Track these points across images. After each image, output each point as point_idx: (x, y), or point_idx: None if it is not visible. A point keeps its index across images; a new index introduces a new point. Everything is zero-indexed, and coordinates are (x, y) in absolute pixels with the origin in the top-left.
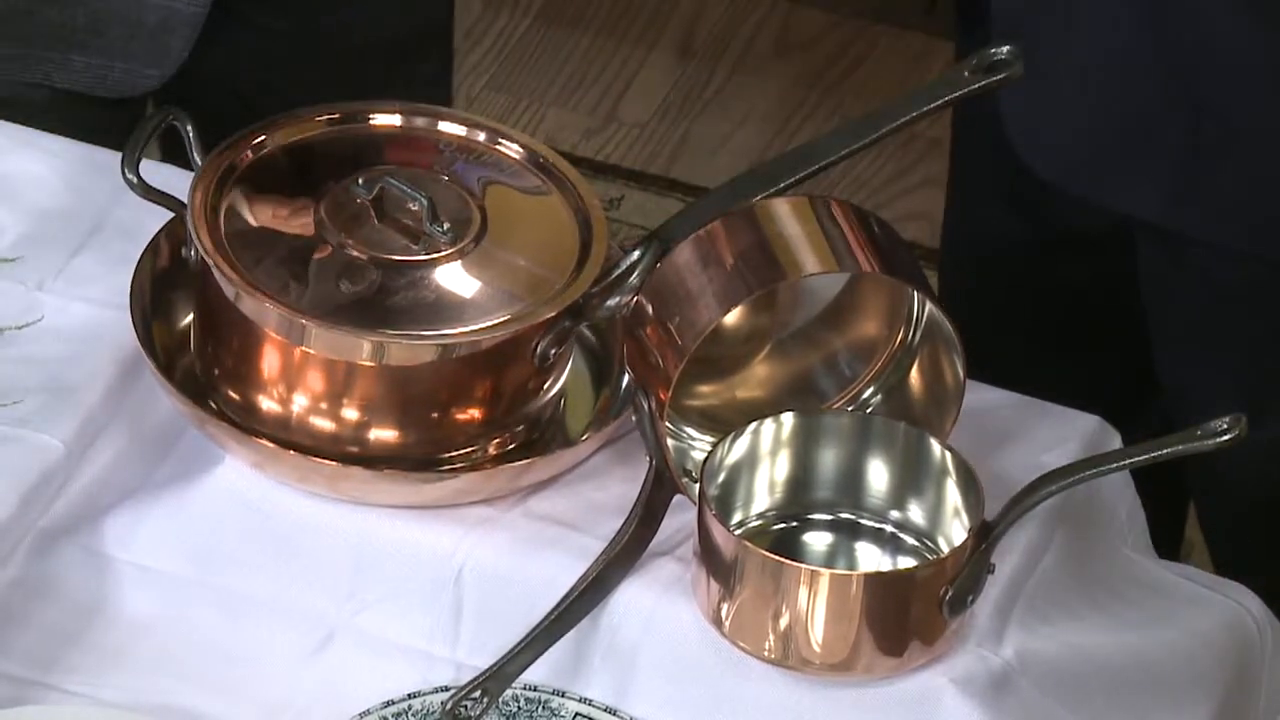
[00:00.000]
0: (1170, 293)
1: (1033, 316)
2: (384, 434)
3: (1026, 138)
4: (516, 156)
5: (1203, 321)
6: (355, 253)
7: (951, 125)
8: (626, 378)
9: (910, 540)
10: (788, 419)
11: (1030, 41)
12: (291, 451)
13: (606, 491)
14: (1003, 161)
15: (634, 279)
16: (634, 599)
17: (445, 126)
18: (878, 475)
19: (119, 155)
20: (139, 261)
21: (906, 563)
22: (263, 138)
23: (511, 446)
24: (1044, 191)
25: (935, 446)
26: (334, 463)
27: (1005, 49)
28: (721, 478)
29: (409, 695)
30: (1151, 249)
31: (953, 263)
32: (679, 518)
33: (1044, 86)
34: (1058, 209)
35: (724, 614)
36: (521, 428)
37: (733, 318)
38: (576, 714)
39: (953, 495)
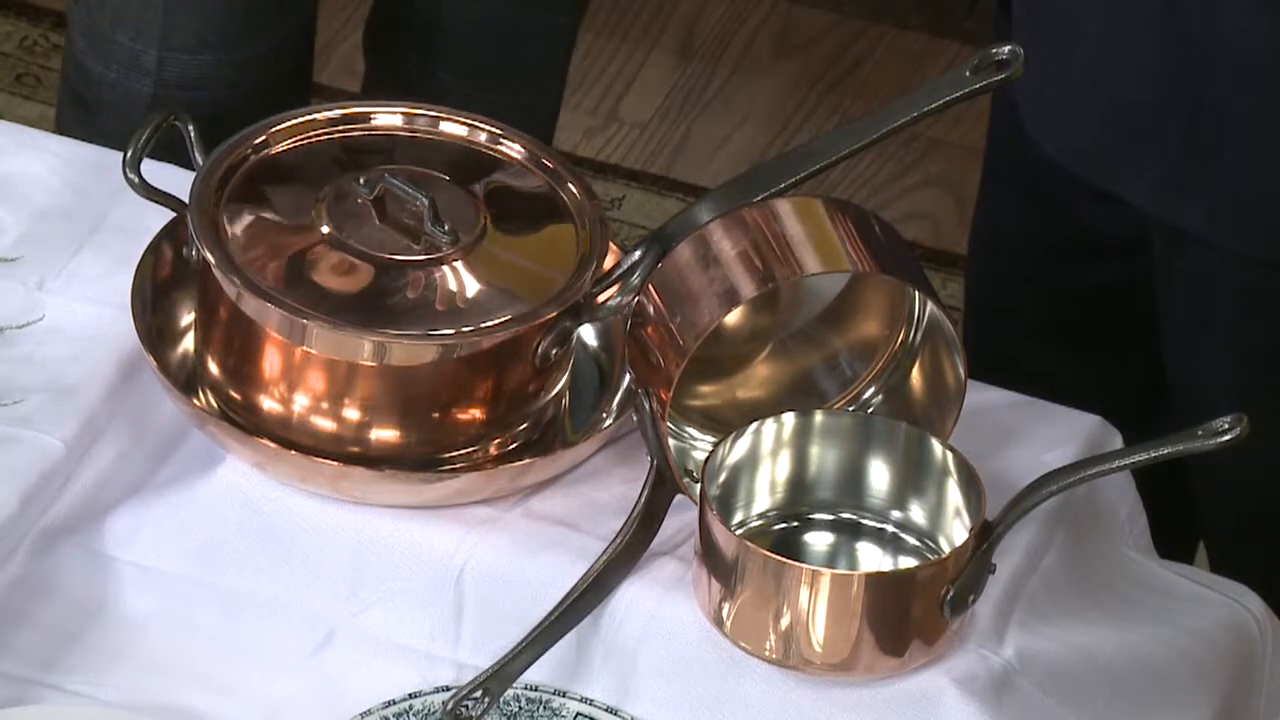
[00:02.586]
0: (1174, 292)
1: (1057, 318)
2: (385, 434)
3: (1036, 116)
4: (518, 156)
5: (1204, 323)
6: (357, 253)
7: (988, 125)
8: (628, 378)
9: (911, 540)
10: (789, 419)
11: (1043, 22)
12: (293, 451)
13: (607, 491)
14: (1029, 161)
15: (635, 279)
16: (635, 599)
17: (446, 127)
18: (879, 475)
19: (120, 155)
20: (140, 261)
21: (907, 563)
22: (264, 138)
23: (512, 446)
24: (1068, 191)
25: (936, 446)
26: (335, 463)
27: (1006, 49)
28: (722, 478)
29: (410, 695)
30: (1161, 247)
31: (979, 262)
32: (680, 518)
33: (1054, 68)
34: (1081, 209)
35: (725, 614)
36: (522, 428)
37: (734, 318)
38: (578, 714)
39: (954, 495)
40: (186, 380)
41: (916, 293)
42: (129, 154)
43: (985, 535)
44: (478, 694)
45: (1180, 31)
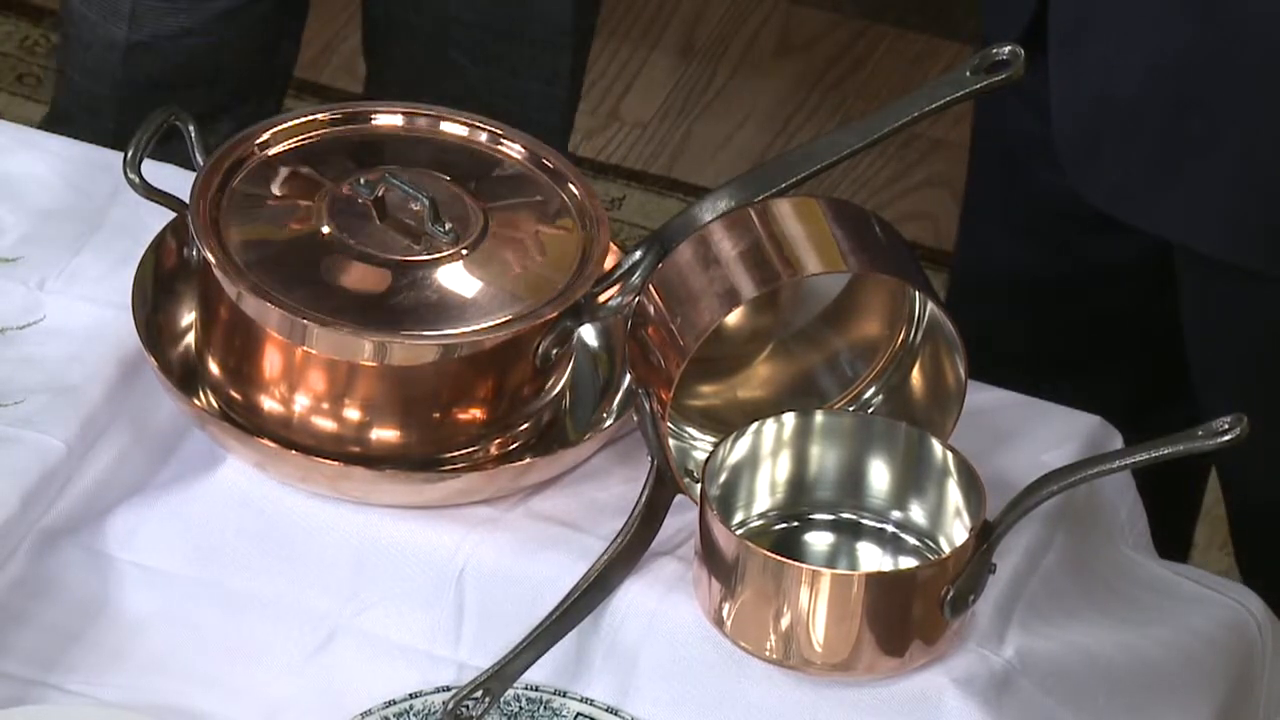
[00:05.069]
0: (1190, 306)
1: (1041, 344)
2: (386, 434)
3: (1078, 166)
4: (518, 156)
5: (1224, 340)
6: (357, 253)
7: (969, 153)
8: (628, 378)
9: (912, 540)
10: (789, 419)
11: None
12: (293, 451)
13: (608, 491)
14: (1016, 191)
15: (635, 279)
16: (635, 599)
17: (447, 127)
18: (879, 475)
19: (120, 155)
20: (141, 261)
21: (908, 563)
22: (265, 137)
23: (513, 446)
24: (1058, 220)
25: (937, 446)
26: (336, 463)
27: (1007, 49)
28: (723, 478)
29: (410, 695)
30: (1181, 268)
31: (962, 289)
32: (680, 518)
33: (1079, 70)
34: (1072, 238)
35: (725, 614)
36: (523, 428)
37: (734, 318)
38: (578, 714)
39: (954, 495)
40: (187, 380)
41: (917, 293)
42: (129, 154)
43: (985, 535)
44: (478, 694)
45: (1169, 34)
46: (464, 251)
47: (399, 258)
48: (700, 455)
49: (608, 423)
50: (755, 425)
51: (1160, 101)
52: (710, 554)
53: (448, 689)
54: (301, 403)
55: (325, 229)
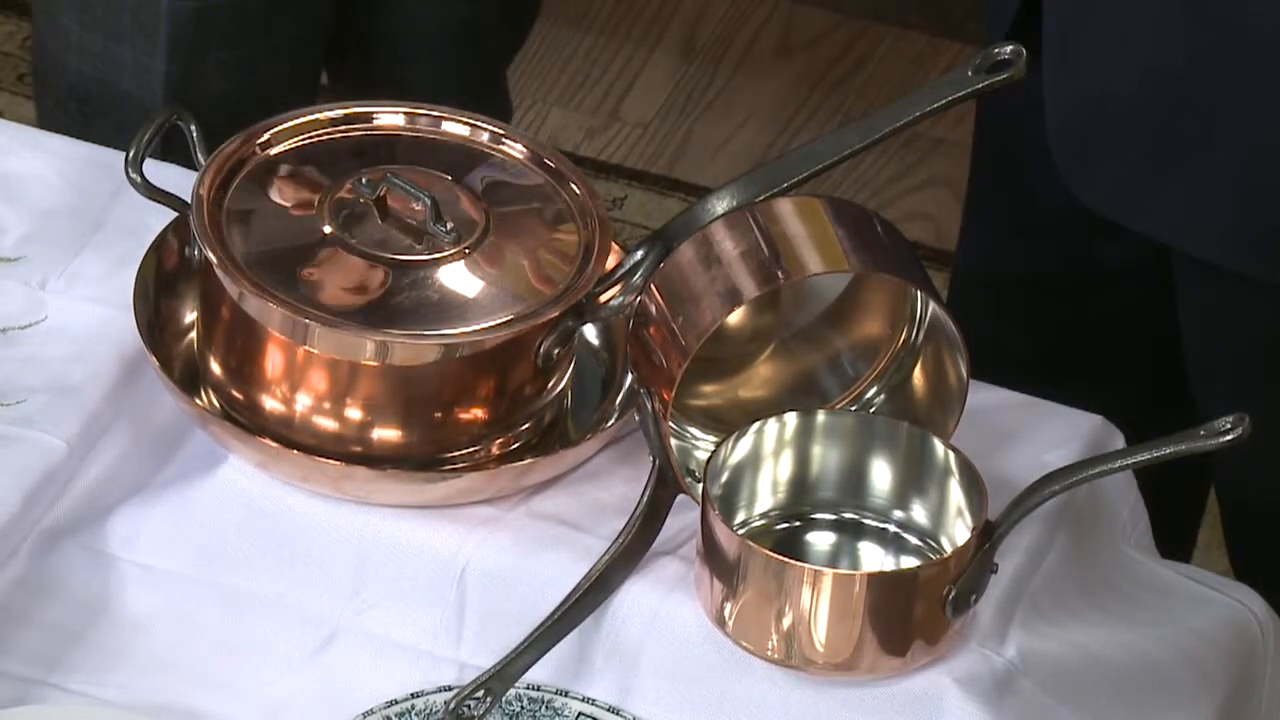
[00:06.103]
0: (1189, 313)
1: (1042, 344)
2: (387, 434)
3: (1073, 166)
4: (519, 156)
5: (1224, 347)
6: (359, 252)
7: (971, 155)
8: (630, 377)
9: (913, 540)
10: (791, 419)
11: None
12: (295, 451)
13: (610, 491)
14: (1018, 190)
15: (637, 279)
16: (637, 599)
17: (449, 126)
18: (881, 475)
19: (122, 154)
20: (142, 261)
21: (910, 563)
22: (266, 137)
23: (514, 446)
24: (1059, 220)
25: (938, 446)
26: (337, 462)
27: (1009, 48)
28: (725, 477)
29: (412, 695)
30: (1180, 274)
31: (964, 289)
32: (682, 517)
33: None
34: (1074, 238)
35: (727, 614)
36: (525, 427)
37: (736, 317)
38: (580, 714)
39: (956, 495)
40: (189, 380)
41: (918, 292)
42: (131, 153)
43: (987, 535)
44: (480, 693)
45: (1166, 34)
46: (465, 251)
47: (400, 257)
48: (702, 455)
49: (609, 422)
50: (757, 425)
51: (1156, 101)
52: (712, 554)
53: (449, 688)
54: (303, 402)
55: (327, 228)
